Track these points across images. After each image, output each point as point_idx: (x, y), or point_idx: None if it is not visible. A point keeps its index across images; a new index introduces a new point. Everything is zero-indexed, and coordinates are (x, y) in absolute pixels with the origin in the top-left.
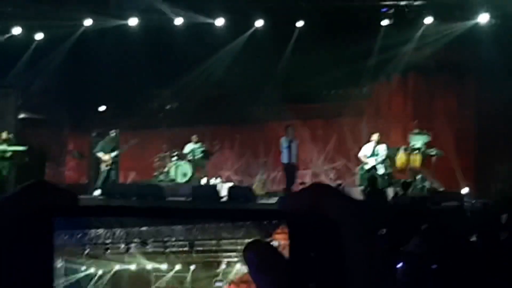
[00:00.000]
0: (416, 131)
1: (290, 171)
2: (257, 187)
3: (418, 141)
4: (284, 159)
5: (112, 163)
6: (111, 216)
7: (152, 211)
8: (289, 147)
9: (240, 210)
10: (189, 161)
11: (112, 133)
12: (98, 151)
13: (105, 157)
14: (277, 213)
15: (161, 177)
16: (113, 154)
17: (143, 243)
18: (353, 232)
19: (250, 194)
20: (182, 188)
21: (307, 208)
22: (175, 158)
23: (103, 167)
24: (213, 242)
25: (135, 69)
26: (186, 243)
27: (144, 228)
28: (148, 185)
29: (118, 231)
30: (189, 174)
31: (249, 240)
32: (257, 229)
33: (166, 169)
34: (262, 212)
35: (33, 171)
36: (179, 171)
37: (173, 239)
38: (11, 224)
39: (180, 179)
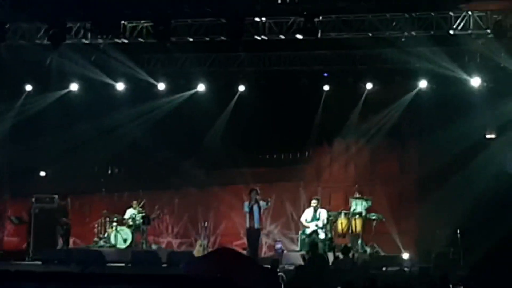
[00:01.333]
0: (357, 195)
1: (251, 235)
2: (198, 252)
3: (358, 205)
4: (246, 223)
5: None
6: (32, 282)
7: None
8: (251, 211)
9: (146, 275)
10: (129, 226)
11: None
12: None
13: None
14: (183, 278)
15: (101, 242)
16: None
17: None
18: None
19: (191, 259)
20: (122, 253)
21: (213, 273)
22: (115, 223)
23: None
24: None
25: (76, 134)
26: None
27: None
28: (88, 251)
29: None
30: (129, 239)
31: None
32: None
33: (106, 234)
34: (168, 277)
35: None
36: (119, 236)
37: None
38: None
39: (120, 245)
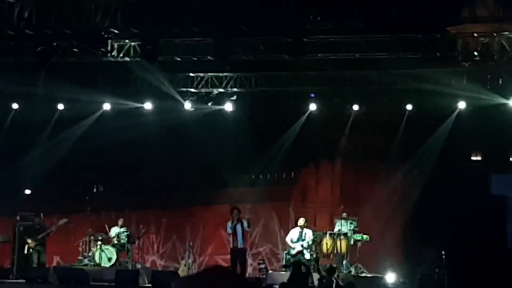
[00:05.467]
0: (343, 216)
1: (235, 255)
2: (182, 271)
3: (344, 226)
4: (230, 243)
5: (36, 246)
6: None
7: None
8: (234, 231)
9: None
10: (114, 245)
11: (36, 218)
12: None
13: (28, 240)
14: None
15: (86, 261)
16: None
17: None
18: None
19: (175, 279)
20: (106, 272)
21: None
22: (100, 242)
23: (25, 250)
24: None
25: (61, 152)
26: None
27: None
28: (72, 269)
29: None
30: (114, 258)
31: None
32: None
33: (90, 253)
34: None
35: None
36: (104, 255)
37: None
38: None
39: (105, 263)
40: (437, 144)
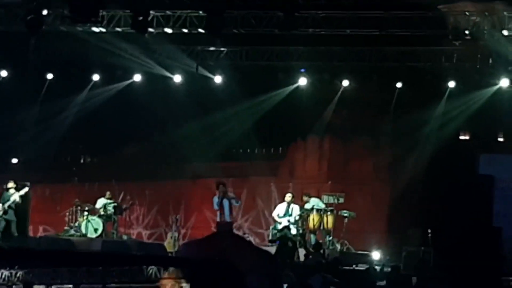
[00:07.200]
0: (303, 198)
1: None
2: (168, 244)
3: (310, 203)
4: (217, 217)
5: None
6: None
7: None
8: (220, 206)
9: (142, 256)
10: (100, 216)
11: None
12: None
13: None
14: (180, 260)
15: (72, 231)
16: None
17: (28, 286)
18: (259, 282)
19: (162, 251)
20: (92, 243)
21: (211, 255)
22: (86, 212)
23: None
24: (99, 286)
25: (49, 122)
26: (71, 286)
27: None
28: (58, 239)
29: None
30: (100, 229)
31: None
32: (143, 274)
33: (77, 224)
34: (164, 259)
35: None
36: (90, 225)
37: (58, 281)
38: None
39: (91, 234)
40: (426, 122)
